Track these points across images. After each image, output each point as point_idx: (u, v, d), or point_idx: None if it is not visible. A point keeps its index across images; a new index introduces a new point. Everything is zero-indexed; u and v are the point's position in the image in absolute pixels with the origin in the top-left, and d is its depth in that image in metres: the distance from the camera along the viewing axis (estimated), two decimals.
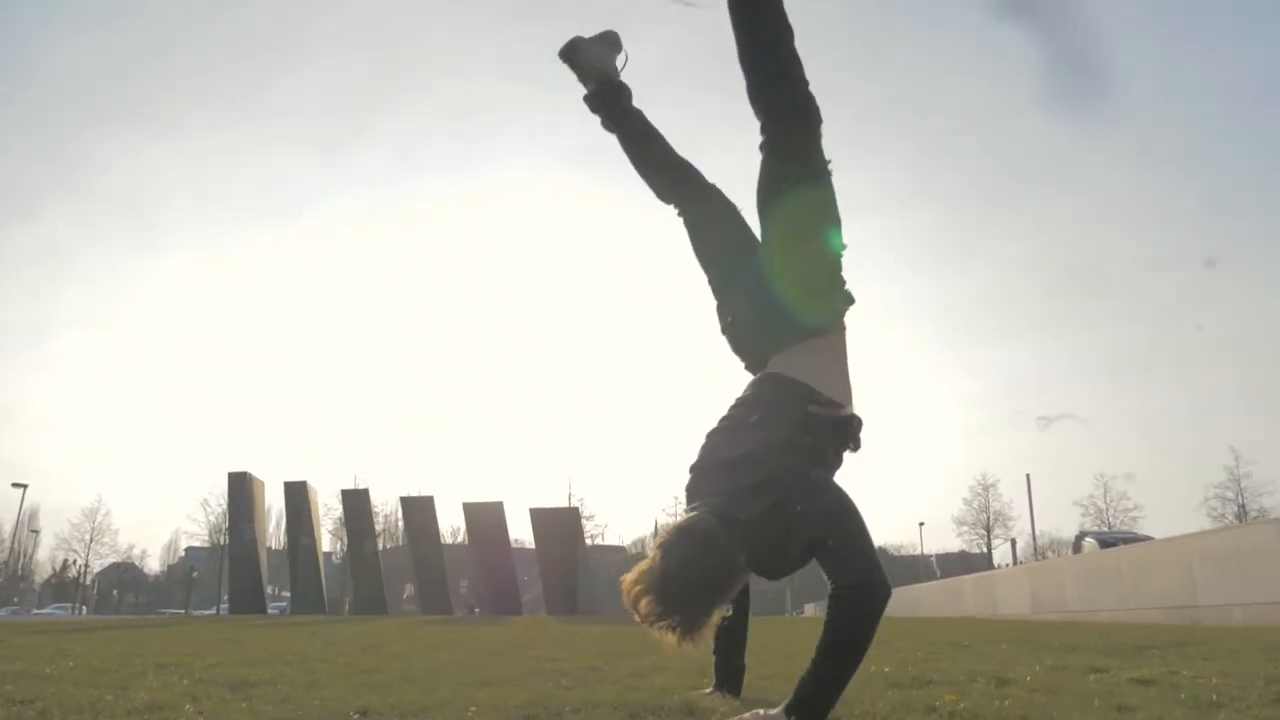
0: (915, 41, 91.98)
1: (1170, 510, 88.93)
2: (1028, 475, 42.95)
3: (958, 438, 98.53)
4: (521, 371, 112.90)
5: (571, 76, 2.98)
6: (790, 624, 14.52)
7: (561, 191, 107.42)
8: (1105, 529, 44.08)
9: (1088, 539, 31.98)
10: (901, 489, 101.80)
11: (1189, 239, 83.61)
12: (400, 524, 60.56)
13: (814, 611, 38.79)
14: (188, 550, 69.96)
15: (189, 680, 3.33)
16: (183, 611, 49.19)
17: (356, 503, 24.99)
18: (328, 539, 43.11)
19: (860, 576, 2.11)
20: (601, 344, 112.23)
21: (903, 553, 77.88)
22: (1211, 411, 77.36)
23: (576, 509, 25.43)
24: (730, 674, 2.76)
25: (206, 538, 61.82)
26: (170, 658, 4.56)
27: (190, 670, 3.75)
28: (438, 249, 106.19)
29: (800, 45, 2.60)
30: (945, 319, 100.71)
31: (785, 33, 2.60)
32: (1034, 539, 45.33)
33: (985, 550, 60.94)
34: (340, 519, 53.74)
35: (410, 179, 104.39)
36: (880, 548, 78.20)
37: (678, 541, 2.15)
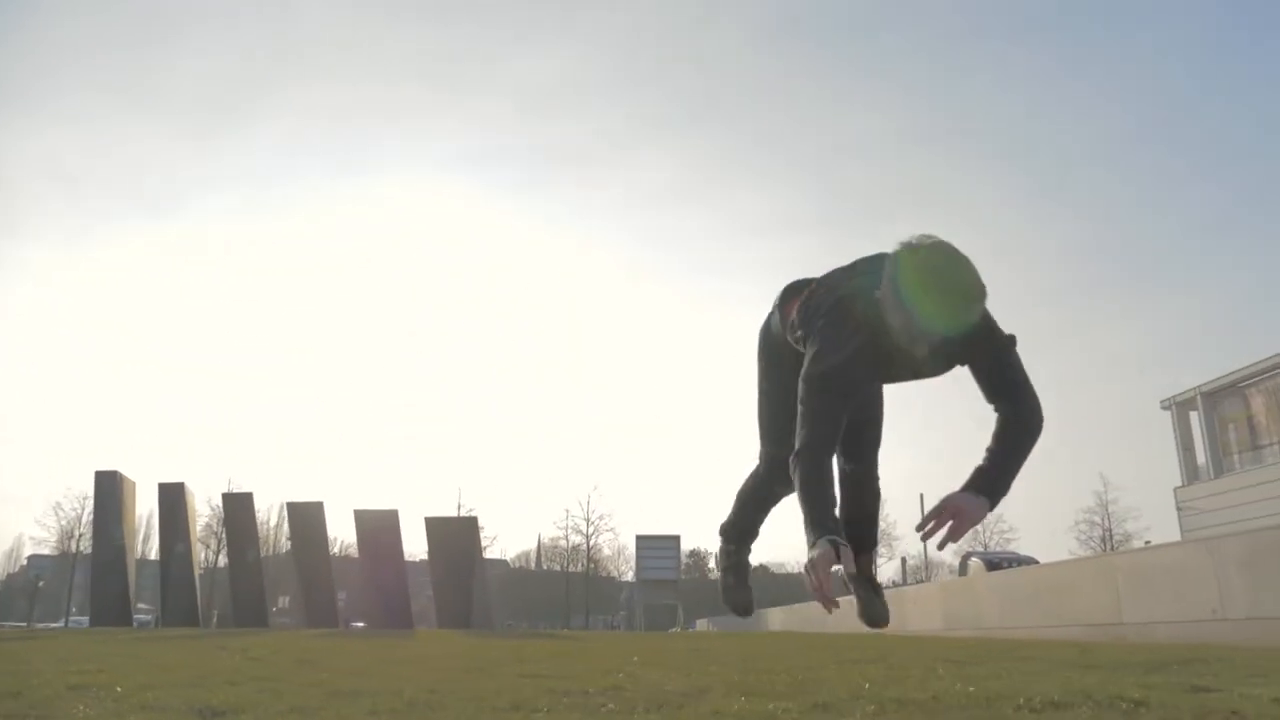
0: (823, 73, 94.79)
1: (1044, 533, 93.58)
2: (921, 495, 44.14)
3: None
4: (409, 378, 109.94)
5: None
6: (683, 639, 14.08)
7: (446, 197, 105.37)
8: (982, 549, 45.70)
9: (973, 559, 33.02)
10: (790, 506, 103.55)
11: (1066, 273, 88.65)
12: (272, 532, 57.70)
13: (706, 627, 38.73)
14: (30, 558, 64.88)
15: (134, 706, 2.60)
16: (24, 624, 45.20)
17: (238, 507, 23.34)
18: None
19: None
20: (486, 351, 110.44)
21: (783, 570, 79.36)
22: (1084, 439, 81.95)
23: (474, 519, 24.50)
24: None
25: (55, 544, 57.36)
26: (78, 677, 3.75)
27: (123, 695, 2.99)
28: (320, 248, 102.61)
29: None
30: None
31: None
32: (925, 557, 46.69)
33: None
34: (208, 525, 50.65)
35: (290, 177, 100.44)
36: (762, 565, 79.86)
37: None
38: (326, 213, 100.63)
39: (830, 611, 2.27)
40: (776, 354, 2.72)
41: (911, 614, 16.82)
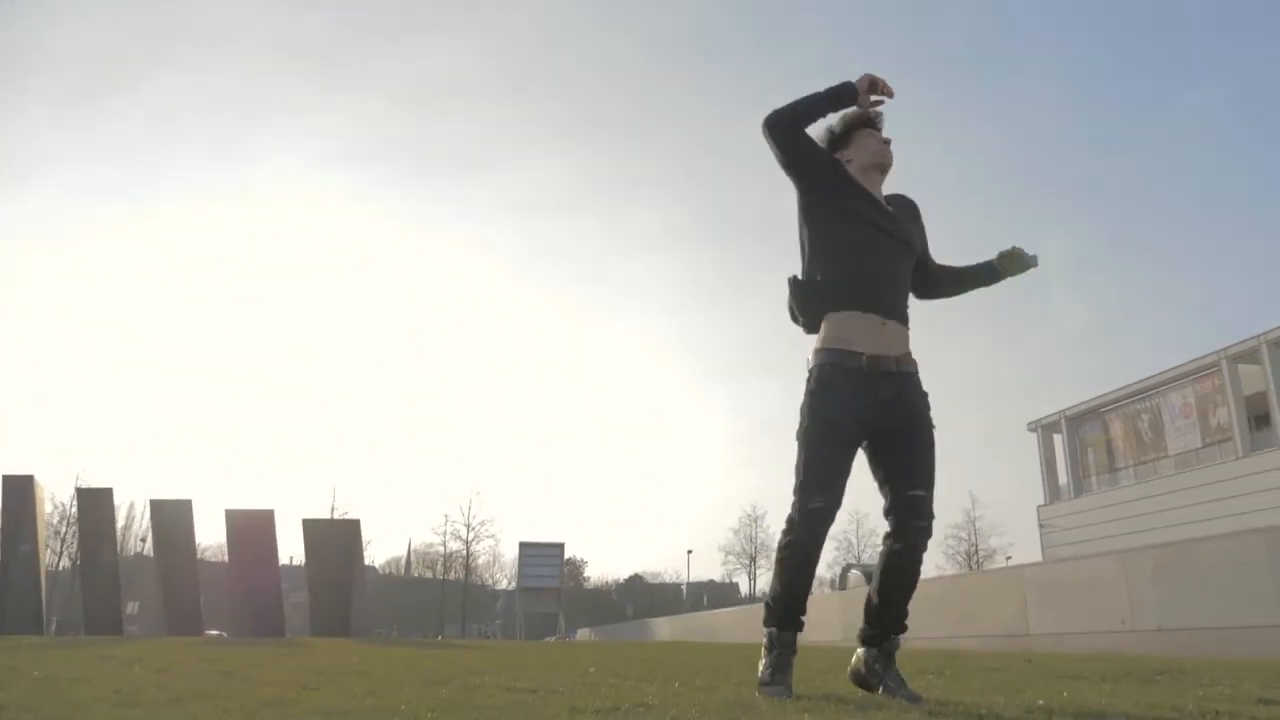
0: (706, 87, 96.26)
1: None
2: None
3: (724, 470, 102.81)
4: (281, 375, 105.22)
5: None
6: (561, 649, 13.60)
7: (325, 191, 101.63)
8: (855, 561, 47.03)
9: (853, 571, 33.91)
10: (671, 517, 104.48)
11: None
12: (121, 534, 53.75)
13: (588, 635, 38.27)
14: None
15: None
16: None
17: (95, 503, 21.39)
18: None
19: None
20: (363, 351, 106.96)
21: (659, 579, 79.68)
22: (956, 457, 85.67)
23: (357, 521, 23.22)
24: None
25: None
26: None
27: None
28: (192, 234, 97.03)
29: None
30: (719, 355, 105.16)
31: None
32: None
33: (750, 579, 63.30)
34: (53, 525, 46.71)
35: (158, 156, 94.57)
36: (637, 574, 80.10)
37: None
38: (195, 200, 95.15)
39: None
40: None
41: (811, 624, 16.94)
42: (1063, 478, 36.27)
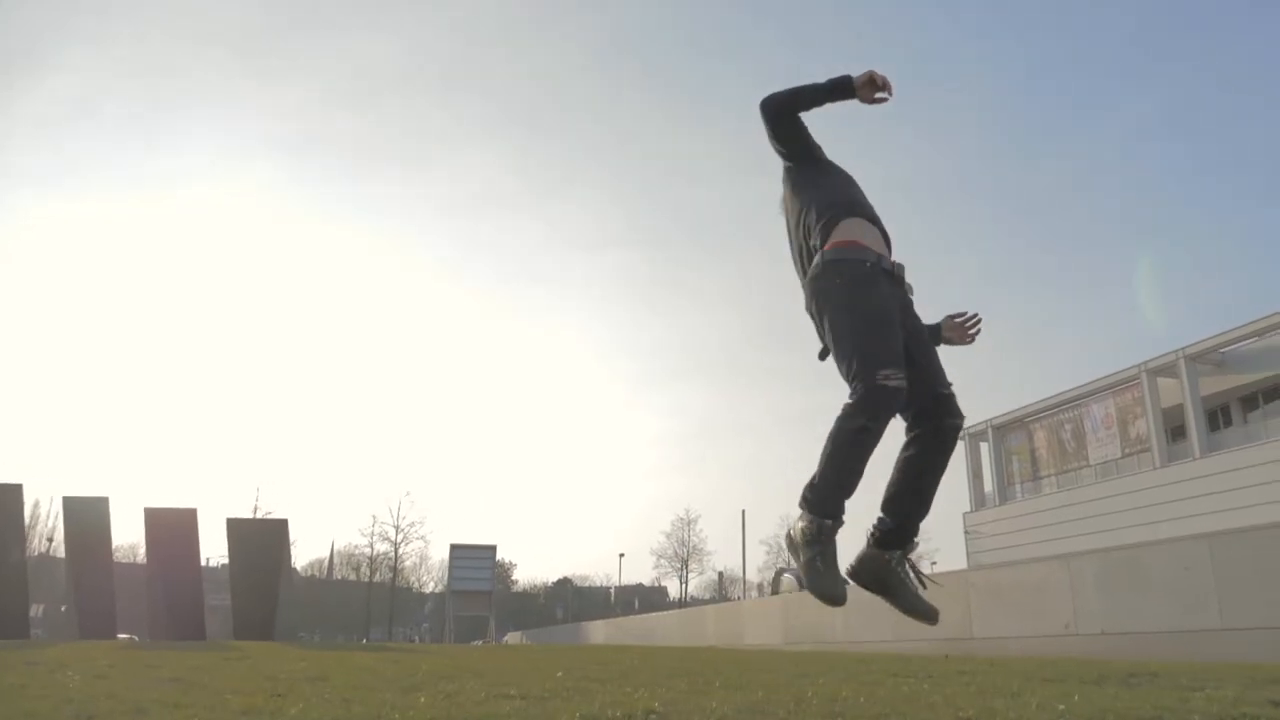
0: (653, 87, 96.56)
1: (846, 552, 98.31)
2: (743, 511, 45.30)
3: (654, 473, 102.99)
4: (207, 370, 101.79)
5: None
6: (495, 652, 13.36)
7: (249, 184, 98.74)
8: (786, 565, 47.40)
9: (786, 575, 34.16)
10: (601, 521, 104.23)
11: None
12: (25, 533, 51.21)
13: (519, 639, 37.76)
14: None
15: None
16: None
17: (4, 500, 20.24)
18: None
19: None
20: (289, 346, 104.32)
21: (588, 583, 79.37)
22: (886, 462, 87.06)
23: (285, 521, 22.50)
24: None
25: None
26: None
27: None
28: (109, 222, 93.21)
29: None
30: (651, 357, 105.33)
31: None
32: (743, 573, 47.80)
33: (682, 583, 63.40)
34: None
35: (68, 143, 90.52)
36: (566, 578, 79.68)
37: None
38: (109, 187, 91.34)
39: None
40: None
41: (750, 628, 16.96)
42: (988, 485, 37.20)
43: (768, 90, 2.89)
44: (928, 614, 2.67)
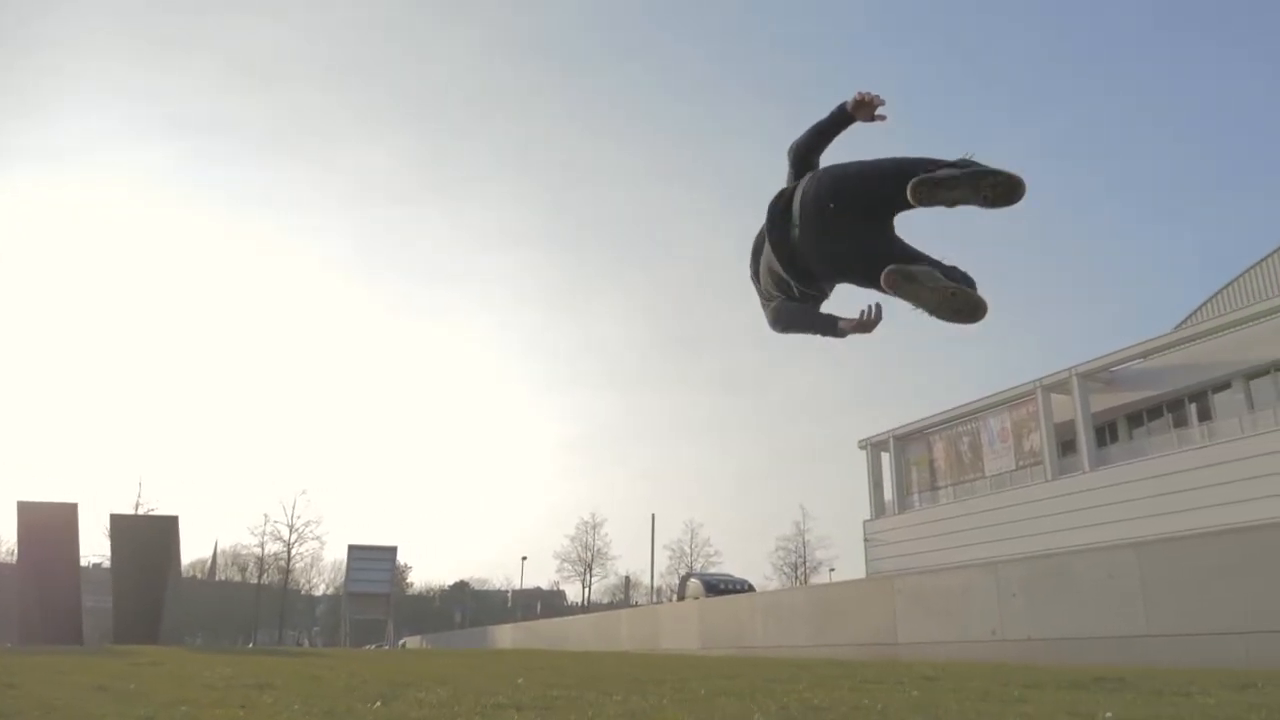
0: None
1: (748, 557, 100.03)
2: (653, 515, 45.21)
3: (556, 476, 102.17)
4: (89, 359, 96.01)
5: None
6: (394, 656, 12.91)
7: (140, 171, 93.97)
8: (688, 569, 47.59)
9: (693, 580, 34.19)
10: (499, 523, 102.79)
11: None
12: None
13: (419, 643, 36.72)
14: None
15: None
16: None
17: None
18: None
19: None
20: (179, 334, 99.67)
21: (487, 586, 78.08)
22: (790, 471, 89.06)
23: (175, 518, 21.30)
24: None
25: None
26: None
27: None
28: None
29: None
30: (555, 360, 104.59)
31: None
32: (652, 577, 47.68)
33: (585, 586, 62.88)
34: None
35: None
36: (463, 581, 78.19)
37: None
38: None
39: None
40: None
41: (666, 633, 16.78)
42: (888, 494, 38.18)
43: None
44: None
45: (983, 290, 2.65)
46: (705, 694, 4.06)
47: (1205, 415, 27.38)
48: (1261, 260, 31.11)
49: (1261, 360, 25.58)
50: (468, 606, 64.06)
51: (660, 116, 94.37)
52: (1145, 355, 28.92)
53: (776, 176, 3.02)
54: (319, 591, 64.95)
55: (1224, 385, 26.94)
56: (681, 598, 34.04)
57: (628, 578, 57.45)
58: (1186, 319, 32.45)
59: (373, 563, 32.34)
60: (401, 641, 37.08)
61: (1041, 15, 77.95)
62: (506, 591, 73.99)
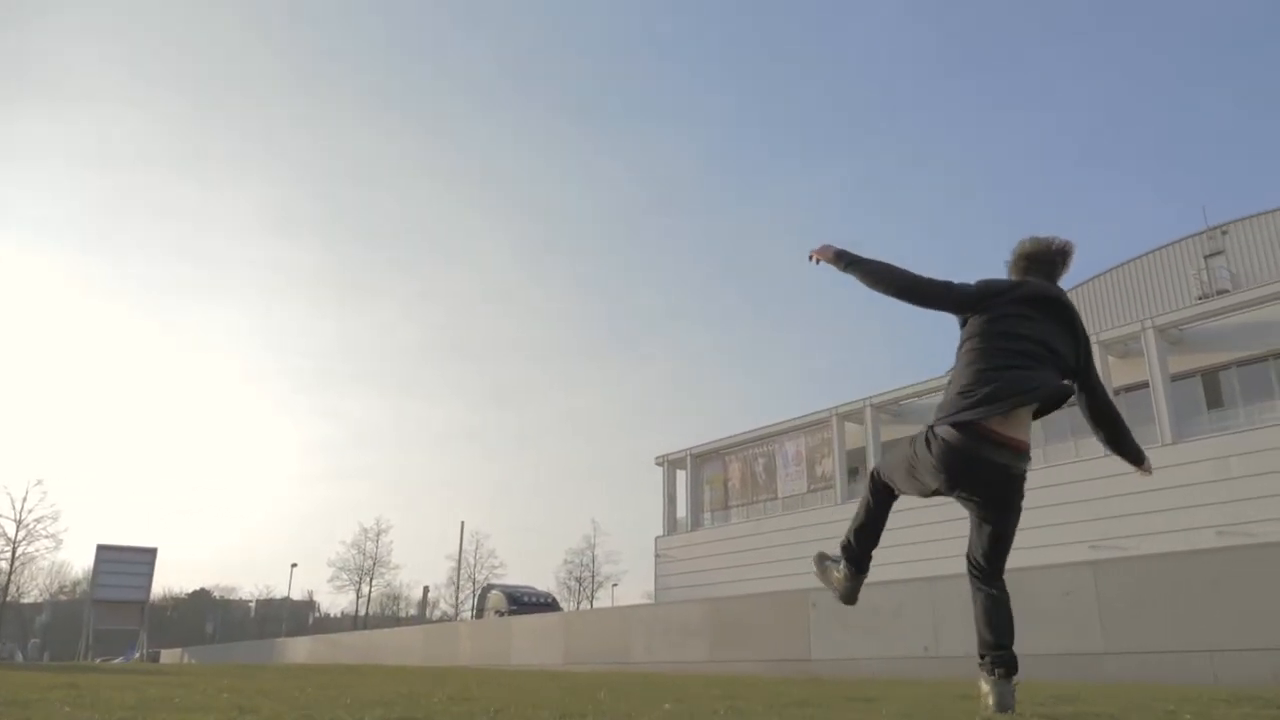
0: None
1: (534, 569, 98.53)
2: (462, 523, 43.21)
3: (308, 480, 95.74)
4: None
5: None
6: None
7: None
8: (473, 580, 46.15)
9: (494, 592, 33.08)
10: (241, 527, 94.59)
11: (556, 334, 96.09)
12: None
13: (180, 658, 32.59)
14: None
15: None
16: None
17: None
18: None
19: None
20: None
21: (234, 595, 71.29)
22: (584, 485, 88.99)
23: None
24: None
25: None
26: None
27: None
28: None
29: None
30: (318, 358, 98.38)
31: None
32: (456, 589, 45.45)
33: (358, 595, 58.87)
34: None
35: None
36: (204, 589, 70.96)
37: None
38: None
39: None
40: None
41: (519, 649, 15.90)
42: (681, 511, 39.01)
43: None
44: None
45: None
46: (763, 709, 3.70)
47: None
48: None
49: None
50: (217, 618, 58.00)
51: (440, 116, 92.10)
52: (920, 395, 31.59)
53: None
54: (29, 598, 55.51)
55: None
56: (480, 611, 32.83)
57: (426, 588, 54.60)
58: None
59: (126, 565, 28.49)
60: (151, 652, 32.82)
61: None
62: (250, 602, 67.88)
